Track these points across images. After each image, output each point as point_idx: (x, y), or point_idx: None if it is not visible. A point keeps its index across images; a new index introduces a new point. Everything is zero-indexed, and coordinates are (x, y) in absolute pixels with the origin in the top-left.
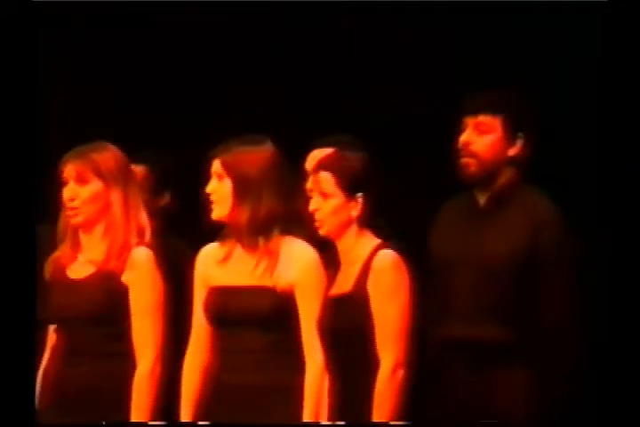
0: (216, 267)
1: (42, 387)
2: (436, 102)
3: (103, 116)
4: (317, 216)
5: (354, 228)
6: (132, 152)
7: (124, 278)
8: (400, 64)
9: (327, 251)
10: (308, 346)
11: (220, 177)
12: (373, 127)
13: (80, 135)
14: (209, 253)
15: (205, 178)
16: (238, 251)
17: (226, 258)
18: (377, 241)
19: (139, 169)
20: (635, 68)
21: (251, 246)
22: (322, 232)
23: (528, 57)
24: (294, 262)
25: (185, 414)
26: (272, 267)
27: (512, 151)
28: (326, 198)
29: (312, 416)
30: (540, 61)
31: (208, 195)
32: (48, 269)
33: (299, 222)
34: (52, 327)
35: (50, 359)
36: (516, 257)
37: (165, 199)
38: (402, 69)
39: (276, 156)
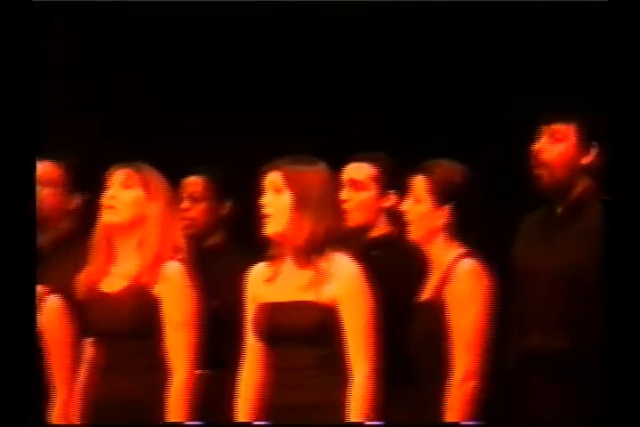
0: (264, 285)
1: (80, 400)
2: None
3: (103, 116)
4: (408, 219)
5: (442, 236)
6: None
7: (156, 292)
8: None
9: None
10: (354, 360)
11: (278, 190)
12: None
13: (80, 135)
14: (258, 273)
15: (259, 191)
16: (287, 267)
17: (274, 276)
18: (461, 250)
19: (198, 180)
20: (636, 68)
21: (303, 263)
22: (411, 237)
23: (528, 57)
24: (337, 277)
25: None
26: (319, 282)
27: (585, 160)
28: (417, 203)
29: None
30: (540, 61)
31: (262, 208)
32: (81, 282)
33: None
34: (87, 341)
35: (87, 373)
36: (587, 268)
37: (226, 208)
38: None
39: (332, 176)
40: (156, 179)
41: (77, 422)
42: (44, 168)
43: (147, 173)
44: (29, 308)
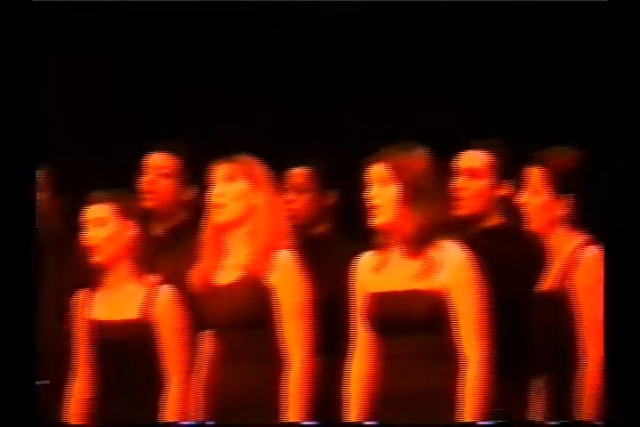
0: (372, 274)
1: (201, 393)
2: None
3: (103, 116)
4: (526, 211)
5: (562, 226)
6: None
7: (269, 281)
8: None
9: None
10: (467, 348)
11: (384, 182)
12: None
13: (80, 135)
14: (365, 262)
15: (364, 183)
16: (396, 256)
17: (382, 265)
18: (583, 238)
19: (302, 171)
20: (636, 68)
21: (412, 252)
22: (530, 228)
23: (528, 57)
24: (448, 265)
25: (353, 417)
26: (429, 271)
27: None
28: (535, 195)
29: (472, 416)
30: (540, 61)
31: (369, 200)
32: (194, 277)
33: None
34: (205, 334)
35: (205, 366)
36: None
37: (331, 198)
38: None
39: (434, 162)
40: (259, 169)
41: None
42: (160, 160)
43: (249, 164)
44: (29, 308)
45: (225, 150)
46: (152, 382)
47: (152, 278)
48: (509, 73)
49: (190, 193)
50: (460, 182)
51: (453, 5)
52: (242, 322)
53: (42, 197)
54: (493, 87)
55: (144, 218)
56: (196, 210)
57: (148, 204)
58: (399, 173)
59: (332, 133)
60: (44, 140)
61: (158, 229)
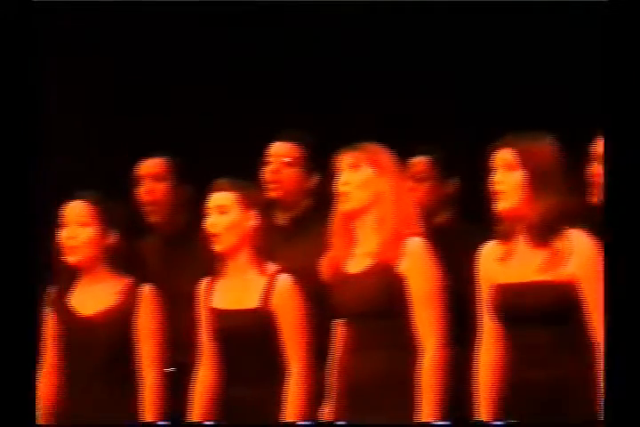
0: (498, 264)
1: (335, 379)
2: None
3: (103, 116)
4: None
5: None
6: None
7: (401, 269)
8: None
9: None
10: (596, 338)
11: (510, 168)
12: None
13: (80, 136)
14: (490, 252)
15: (489, 168)
16: (521, 246)
17: (507, 255)
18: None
19: (422, 160)
20: (636, 68)
21: (538, 241)
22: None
23: (528, 57)
24: (576, 254)
25: (483, 413)
26: (557, 261)
27: None
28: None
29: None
30: (540, 61)
31: (493, 185)
32: (325, 266)
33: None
34: (337, 322)
35: (339, 354)
36: None
37: (452, 186)
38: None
39: (561, 149)
40: (384, 156)
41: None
42: (284, 149)
43: (373, 152)
44: (29, 307)
45: (348, 139)
46: (273, 372)
47: (272, 267)
48: (509, 73)
49: (314, 181)
50: (596, 169)
51: (453, 5)
52: (373, 310)
53: (166, 186)
54: (493, 87)
55: (266, 207)
56: (320, 198)
57: (273, 193)
58: (525, 160)
59: (451, 121)
60: (44, 140)
61: (282, 219)
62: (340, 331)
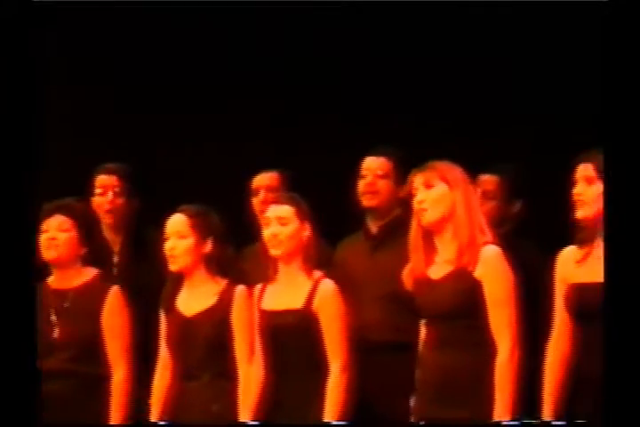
0: (575, 266)
1: (419, 373)
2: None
3: (103, 116)
4: None
5: None
6: None
7: (477, 274)
8: None
9: None
10: None
11: (590, 181)
12: None
13: (80, 135)
14: (568, 254)
15: (572, 180)
16: (598, 252)
17: (584, 258)
18: None
19: (492, 178)
20: (636, 68)
21: None
22: None
23: (528, 57)
24: None
25: (546, 410)
26: None
27: None
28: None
29: None
30: (540, 61)
31: (575, 197)
32: (407, 276)
33: None
34: (421, 323)
35: (423, 349)
36: None
37: (517, 207)
38: None
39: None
40: (454, 171)
41: None
42: (377, 162)
43: (444, 169)
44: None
45: (427, 155)
46: (314, 368)
47: (317, 273)
48: (509, 73)
49: (403, 192)
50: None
51: (453, 5)
52: (453, 312)
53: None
54: (492, 87)
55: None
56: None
57: (367, 203)
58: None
59: (521, 142)
60: (45, 141)
61: (374, 227)
62: (422, 331)
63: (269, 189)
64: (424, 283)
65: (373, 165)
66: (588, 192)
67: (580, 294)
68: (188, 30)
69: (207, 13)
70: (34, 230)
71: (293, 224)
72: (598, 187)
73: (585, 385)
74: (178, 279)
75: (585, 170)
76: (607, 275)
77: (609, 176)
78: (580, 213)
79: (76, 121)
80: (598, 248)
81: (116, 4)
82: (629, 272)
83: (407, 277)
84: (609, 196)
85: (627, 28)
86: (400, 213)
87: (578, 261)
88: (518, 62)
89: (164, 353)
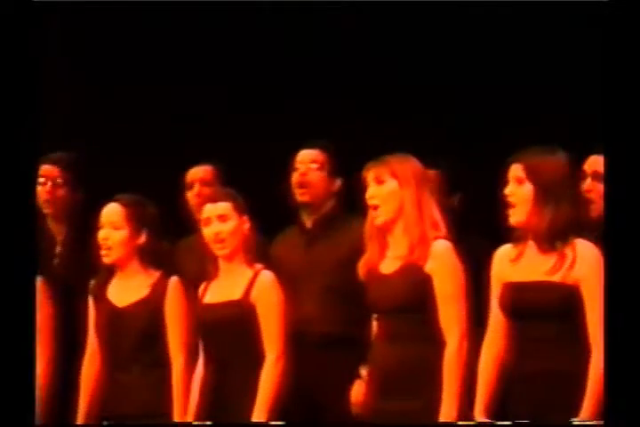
0: (509, 265)
1: (370, 365)
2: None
3: (103, 115)
4: None
5: None
6: None
7: (427, 269)
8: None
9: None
10: (593, 336)
11: (519, 181)
12: None
13: (80, 136)
14: (503, 253)
15: (503, 182)
16: (531, 251)
17: (518, 257)
18: None
19: (431, 173)
20: (636, 68)
21: (546, 248)
22: None
23: (528, 57)
24: (581, 260)
25: (479, 409)
26: (562, 266)
27: None
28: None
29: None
30: (540, 61)
31: (505, 197)
32: (362, 268)
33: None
34: (372, 317)
35: (374, 343)
36: None
37: (454, 201)
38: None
39: (571, 164)
40: (406, 166)
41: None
42: (310, 155)
43: (396, 164)
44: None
45: (369, 146)
46: (251, 360)
47: (258, 266)
48: (509, 73)
49: (337, 185)
50: (589, 185)
51: (454, 5)
52: (404, 306)
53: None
54: (492, 87)
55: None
56: (343, 200)
57: (301, 198)
58: (533, 174)
59: (460, 135)
60: (44, 138)
61: (308, 221)
62: (373, 326)
63: (203, 182)
64: (375, 277)
65: (307, 157)
66: (518, 192)
67: (512, 292)
68: (188, 30)
69: (207, 14)
70: (34, 230)
71: (233, 220)
72: (528, 187)
73: (519, 384)
74: (110, 269)
75: (515, 170)
76: (607, 275)
77: (609, 176)
78: (513, 219)
79: (76, 121)
80: (531, 247)
81: (116, 4)
82: (629, 272)
83: (362, 267)
84: (609, 196)
85: (627, 28)
86: (334, 206)
87: (512, 260)
88: (518, 62)
89: (92, 342)
